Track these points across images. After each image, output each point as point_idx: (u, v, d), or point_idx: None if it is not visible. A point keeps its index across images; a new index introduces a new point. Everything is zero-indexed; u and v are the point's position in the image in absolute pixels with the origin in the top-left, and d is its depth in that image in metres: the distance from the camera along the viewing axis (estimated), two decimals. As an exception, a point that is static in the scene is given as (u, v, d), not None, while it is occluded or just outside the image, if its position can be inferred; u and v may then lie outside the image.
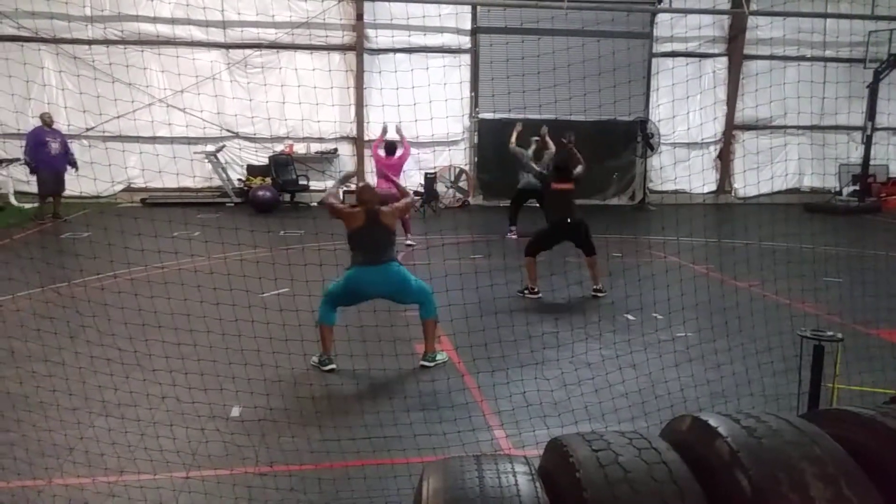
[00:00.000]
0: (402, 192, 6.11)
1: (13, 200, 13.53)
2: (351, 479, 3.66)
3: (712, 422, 2.27)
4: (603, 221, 13.09)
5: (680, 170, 16.08)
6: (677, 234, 10.81)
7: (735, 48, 16.37)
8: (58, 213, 12.48)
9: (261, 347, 4.74)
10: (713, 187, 17.07)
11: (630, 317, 6.89)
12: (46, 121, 12.40)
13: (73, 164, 12.39)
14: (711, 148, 16.95)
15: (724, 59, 16.52)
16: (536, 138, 11.19)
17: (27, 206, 12.87)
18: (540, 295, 7.78)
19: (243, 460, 3.87)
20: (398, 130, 10.64)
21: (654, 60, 15.93)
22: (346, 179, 6.41)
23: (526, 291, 7.78)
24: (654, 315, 6.79)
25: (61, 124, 14.13)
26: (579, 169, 7.95)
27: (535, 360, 5.27)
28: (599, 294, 7.76)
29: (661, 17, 15.90)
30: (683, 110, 15.61)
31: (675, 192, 16.45)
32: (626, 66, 11.99)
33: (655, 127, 15.29)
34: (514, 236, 11.07)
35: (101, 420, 4.31)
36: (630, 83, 12.85)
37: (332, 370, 5.40)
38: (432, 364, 5.55)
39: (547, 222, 7.98)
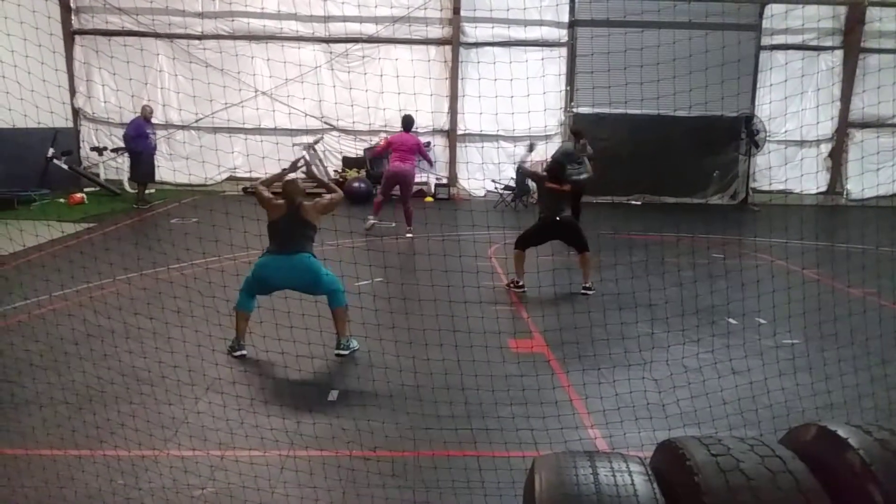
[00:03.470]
0: (329, 188, 5.85)
1: (127, 187, 14.40)
2: (451, 469, 3.70)
3: (842, 432, 2.18)
4: (702, 221, 12.72)
5: (788, 169, 15.32)
6: (785, 236, 10.30)
7: (852, 41, 15.44)
8: (145, 199, 13.21)
9: (367, 333, 4.88)
10: (823, 188, 16.19)
11: (732, 320, 6.65)
12: (146, 114, 13.12)
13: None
14: (822, 146, 16.05)
15: (840, 53, 15.61)
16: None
17: (148, 192, 13.67)
18: (525, 289, 7.69)
19: (348, 443, 3.98)
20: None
21: (762, 54, 15.24)
22: (294, 167, 6.22)
23: (511, 285, 7.77)
24: (758, 320, 6.52)
25: (174, 113, 15.02)
26: (584, 176, 8.14)
27: (630, 360, 5.17)
28: (588, 292, 7.64)
29: (772, 9, 15.17)
30: (793, 107, 14.85)
31: (781, 192, 15.71)
32: (733, 61, 11.53)
33: (762, 124, 14.65)
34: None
35: (212, 395, 4.54)
36: (737, 78, 12.34)
37: (242, 356, 5.36)
38: (347, 352, 5.46)
39: (538, 218, 7.92)
